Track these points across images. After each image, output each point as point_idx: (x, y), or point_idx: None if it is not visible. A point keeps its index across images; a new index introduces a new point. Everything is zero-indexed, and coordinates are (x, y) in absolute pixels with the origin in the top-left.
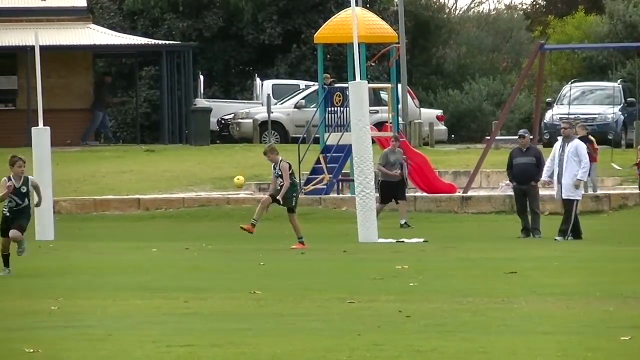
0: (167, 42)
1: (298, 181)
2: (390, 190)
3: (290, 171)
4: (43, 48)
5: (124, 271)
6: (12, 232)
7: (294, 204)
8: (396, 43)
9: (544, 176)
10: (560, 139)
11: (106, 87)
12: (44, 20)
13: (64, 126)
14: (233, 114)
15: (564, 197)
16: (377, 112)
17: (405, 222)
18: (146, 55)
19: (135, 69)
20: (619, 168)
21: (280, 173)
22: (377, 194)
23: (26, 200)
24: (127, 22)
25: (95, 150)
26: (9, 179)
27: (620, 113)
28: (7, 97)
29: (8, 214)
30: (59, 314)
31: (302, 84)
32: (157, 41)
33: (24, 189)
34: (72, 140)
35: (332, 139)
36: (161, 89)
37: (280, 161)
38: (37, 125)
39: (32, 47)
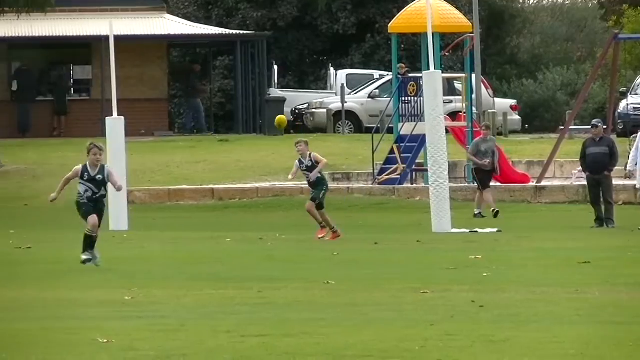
0: (242, 32)
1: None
2: (484, 176)
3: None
4: (117, 38)
5: (197, 261)
6: (92, 218)
7: (322, 200)
8: (470, 33)
9: (629, 166)
10: None
11: (197, 76)
12: (118, 10)
13: (138, 116)
14: (307, 104)
15: None
16: (451, 101)
17: (480, 213)
18: (220, 45)
19: (210, 59)
20: None
21: (310, 164)
22: (475, 183)
23: (102, 189)
24: (201, 12)
25: (169, 140)
26: (84, 167)
27: None
28: (82, 87)
29: (86, 202)
30: (133, 304)
31: (376, 73)
32: (231, 31)
33: (99, 177)
34: (146, 130)
35: (406, 128)
36: (235, 79)
37: (311, 154)
38: (112, 115)
39: (107, 37)
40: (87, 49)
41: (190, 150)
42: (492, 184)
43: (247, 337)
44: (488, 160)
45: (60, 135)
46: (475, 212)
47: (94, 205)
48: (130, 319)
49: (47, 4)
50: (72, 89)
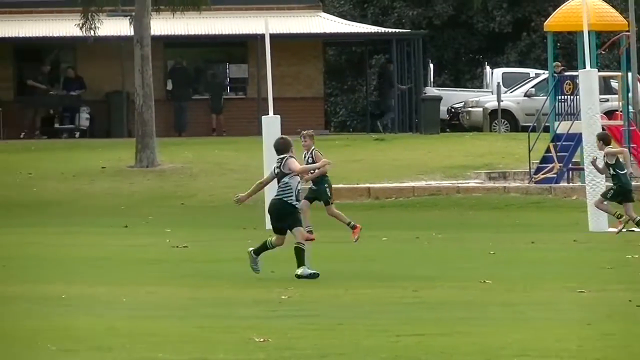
0: (397, 30)
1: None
2: None
3: None
4: (273, 36)
5: (353, 260)
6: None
7: (329, 196)
8: (626, 31)
9: None
10: None
11: (390, 74)
12: (274, 8)
13: (293, 115)
14: (463, 103)
15: None
16: (607, 100)
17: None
18: (376, 43)
19: (365, 58)
20: None
21: (311, 161)
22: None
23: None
24: (357, 10)
25: (325, 139)
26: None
27: None
28: (238, 85)
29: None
30: (289, 303)
31: (532, 72)
32: (387, 29)
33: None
34: (301, 129)
35: (562, 127)
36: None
37: (313, 149)
38: (267, 114)
39: (263, 36)
40: (243, 47)
41: (346, 149)
42: None
43: (402, 336)
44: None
45: (223, 134)
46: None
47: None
48: (286, 317)
49: (202, 2)
50: (228, 87)
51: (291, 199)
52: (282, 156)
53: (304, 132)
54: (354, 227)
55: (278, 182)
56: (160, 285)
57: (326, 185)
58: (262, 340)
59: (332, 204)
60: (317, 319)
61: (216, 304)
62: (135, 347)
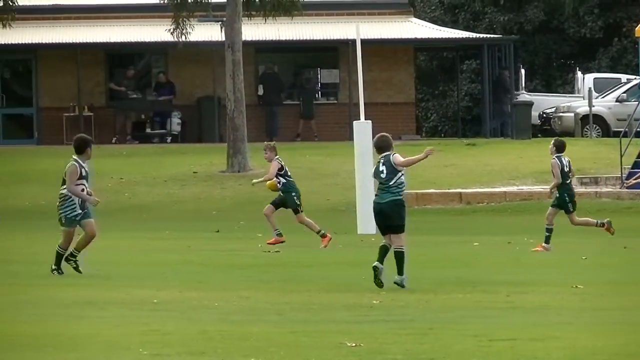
0: (488, 35)
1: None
2: None
3: (283, 171)
4: (364, 42)
5: (444, 265)
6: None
7: (298, 204)
8: None
9: None
10: None
11: (505, 81)
12: (365, 13)
13: (385, 120)
14: (554, 108)
15: None
16: None
17: None
18: (467, 48)
19: (457, 63)
20: None
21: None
22: None
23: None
24: (448, 16)
25: (417, 144)
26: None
27: None
28: (329, 90)
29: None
30: (381, 307)
31: (623, 77)
32: (478, 35)
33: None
34: (393, 134)
35: None
36: (482, 82)
37: (277, 158)
38: (359, 119)
39: (354, 41)
40: (334, 52)
41: (437, 153)
42: None
43: (494, 341)
44: None
45: (315, 139)
46: None
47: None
48: (378, 322)
49: (293, 7)
50: (319, 92)
51: (401, 198)
52: (386, 153)
53: (265, 144)
54: (323, 236)
55: (382, 181)
56: (252, 290)
57: (294, 193)
58: (353, 345)
59: (301, 211)
60: (409, 323)
61: (308, 309)
62: (228, 351)
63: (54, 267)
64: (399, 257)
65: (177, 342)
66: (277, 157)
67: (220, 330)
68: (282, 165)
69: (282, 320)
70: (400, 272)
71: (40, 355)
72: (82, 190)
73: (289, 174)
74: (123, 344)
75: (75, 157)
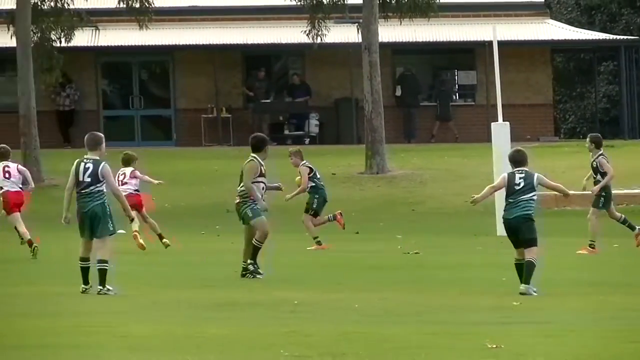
0: (625, 37)
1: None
2: None
3: (312, 174)
4: (501, 43)
5: (583, 267)
6: None
7: (314, 208)
8: None
9: None
10: None
11: None
12: (501, 15)
13: (522, 121)
14: None
15: None
16: None
17: None
18: (604, 50)
19: (594, 64)
20: None
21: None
22: None
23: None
24: (584, 17)
25: (555, 145)
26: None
27: None
28: (467, 92)
29: None
30: (521, 309)
31: None
32: (615, 36)
33: None
34: (531, 136)
35: None
36: (620, 84)
37: (304, 162)
38: (497, 121)
39: (491, 42)
40: (470, 54)
41: (575, 155)
42: None
43: (636, 342)
44: None
45: (457, 140)
46: None
47: None
48: (518, 324)
49: (430, 9)
50: (456, 94)
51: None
52: (523, 168)
53: (290, 150)
54: (319, 243)
55: (514, 193)
56: (392, 292)
57: (317, 196)
58: (494, 346)
59: (311, 214)
60: (548, 325)
61: (449, 310)
62: (369, 353)
63: (249, 261)
64: (529, 267)
65: (318, 344)
66: (304, 161)
67: (360, 331)
68: (311, 168)
69: (423, 322)
70: (527, 281)
71: (181, 356)
72: (262, 188)
73: (318, 176)
74: (263, 345)
75: (253, 154)
